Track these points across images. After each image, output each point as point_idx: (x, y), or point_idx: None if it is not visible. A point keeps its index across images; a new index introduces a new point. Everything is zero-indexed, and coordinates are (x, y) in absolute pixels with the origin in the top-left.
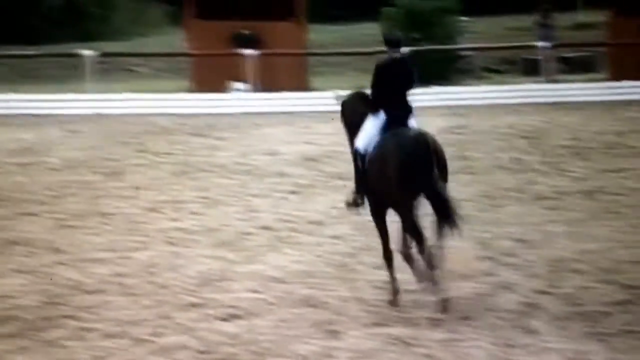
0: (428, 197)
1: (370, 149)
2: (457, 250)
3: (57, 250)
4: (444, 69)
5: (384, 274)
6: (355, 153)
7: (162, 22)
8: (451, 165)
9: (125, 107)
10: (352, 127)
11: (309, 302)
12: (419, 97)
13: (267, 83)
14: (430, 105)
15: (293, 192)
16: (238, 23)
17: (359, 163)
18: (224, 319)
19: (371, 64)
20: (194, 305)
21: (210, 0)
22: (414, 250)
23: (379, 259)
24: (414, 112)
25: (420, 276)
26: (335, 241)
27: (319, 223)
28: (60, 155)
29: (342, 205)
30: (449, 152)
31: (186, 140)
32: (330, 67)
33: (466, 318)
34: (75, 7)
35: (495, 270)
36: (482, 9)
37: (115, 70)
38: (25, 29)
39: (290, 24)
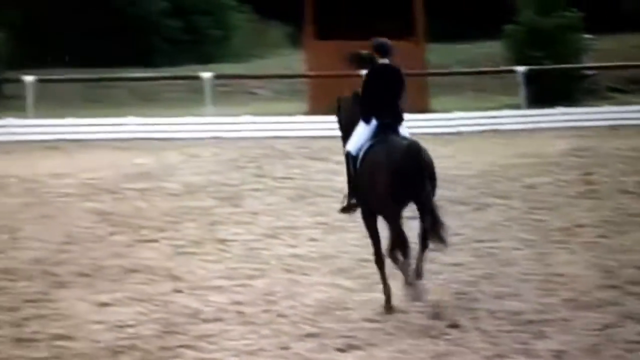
0: (417, 206)
1: (361, 154)
2: (581, 278)
3: (175, 278)
4: (568, 89)
5: (506, 304)
6: (347, 156)
7: (281, 43)
8: (573, 189)
9: (244, 130)
10: (346, 127)
11: (429, 333)
12: (541, 117)
13: None
14: (553, 126)
15: (412, 218)
16: (357, 43)
17: (350, 167)
18: (341, 350)
19: (492, 84)
20: (311, 335)
21: (329, 20)
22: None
23: (500, 288)
24: (404, 119)
25: (407, 277)
26: (455, 269)
27: (438, 250)
28: (179, 180)
29: (463, 231)
30: (571, 176)
31: (304, 164)
32: (450, 88)
33: (590, 349)
34: (195, 29)
35: (620, 299)
36: (606, 27)
37: (235, 93)
38: (144, 50)
39: (409, 44)
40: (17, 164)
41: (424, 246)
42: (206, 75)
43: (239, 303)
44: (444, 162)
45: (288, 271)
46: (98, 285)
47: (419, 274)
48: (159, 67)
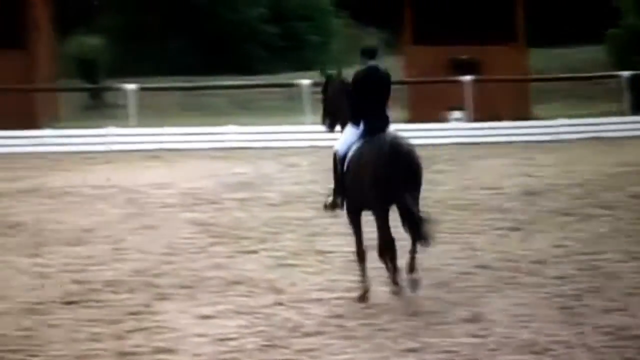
0: (398, 207)
1: (349, 153)
2: None
3: (277, 290)
4: None
5: (613, 319)
6: (334, 155)
7: (379, 49)
8: None
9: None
10: (330, 108)
11: (532, 349)
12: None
13: (486, 111)
14: None
15: (514, 229)
16: (456, 48)
17: (338, 165)
18: None
19: (594, 90)
20: (412, 350)
21: (428, 25)
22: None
23: (607, 302)
24: (391, 121)
25: (395, 282)
26: (559, 282)
27: (541, 262)
28: (278, 189)
29: (566, 242)
30: None
31: None
32: (551, 94)
33: None
34: (293, 35)
35: None
36: None
37: None
38: (243, 58)
39: (510, 49)
40: (119, 173)
41: (413, 242)
42: (305, 82)
43: (339, 316)
44: (546, 171)
45: (388, 284)
46: (200, 297)
47: (411, 268)
48: (257, 75)
